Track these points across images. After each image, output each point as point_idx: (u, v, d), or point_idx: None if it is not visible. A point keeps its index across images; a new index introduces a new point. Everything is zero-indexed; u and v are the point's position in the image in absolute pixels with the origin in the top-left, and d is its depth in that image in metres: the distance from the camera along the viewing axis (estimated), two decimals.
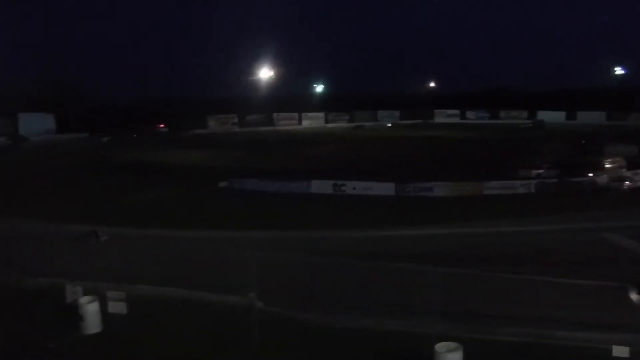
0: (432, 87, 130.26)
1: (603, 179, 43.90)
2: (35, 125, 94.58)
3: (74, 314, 14.97)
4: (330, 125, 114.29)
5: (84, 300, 15.06)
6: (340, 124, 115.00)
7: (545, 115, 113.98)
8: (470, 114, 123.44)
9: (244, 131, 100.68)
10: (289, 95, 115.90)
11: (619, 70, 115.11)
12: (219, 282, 18.38)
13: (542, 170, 46.19)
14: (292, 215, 33.55)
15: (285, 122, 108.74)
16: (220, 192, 41.69)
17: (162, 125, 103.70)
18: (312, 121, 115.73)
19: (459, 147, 69.79)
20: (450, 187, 40.82)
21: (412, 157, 59.66)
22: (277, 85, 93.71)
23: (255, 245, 17.39)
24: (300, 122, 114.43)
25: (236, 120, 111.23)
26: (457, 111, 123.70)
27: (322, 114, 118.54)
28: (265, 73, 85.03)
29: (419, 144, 73.96)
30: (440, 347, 12.49)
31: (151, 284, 18.19)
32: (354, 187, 41.38)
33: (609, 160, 48.64)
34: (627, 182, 42.88)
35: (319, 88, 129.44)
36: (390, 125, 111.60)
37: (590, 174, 44.85)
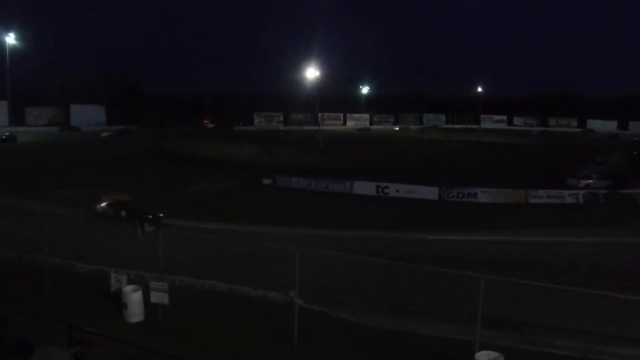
0: (480, 92, 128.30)
1: None
2: (87, 116, 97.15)
3: (118, 302, 15.29)
4: (375, 126, 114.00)
5: (127, 289, 15.35)
6: (386, 126, 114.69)
7: (595, 124, 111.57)
8: (517, 120, 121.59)
9: (289, 129, 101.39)
10: (334, 95, 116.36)
11: None
12: (262, 277, 18.56)
13: (591, 181, 45.16)
14: (335, 214, 33.76)
15: (331, 122, 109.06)
16: (265, 189, 42.28)
17: (206, 121, 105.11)
18: (357, 122, 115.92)
19: (507, 153, 68.68)
20: (495, 193, 40.28)
21: (458, 161, 59.15)
22: (323, 85, 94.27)
23: (298, 242, 17.40)
24: (345, 123, 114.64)
25: (281, 118, 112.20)
26: (504, 117, 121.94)
27: (367, 116, 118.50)
28: (311, 73, 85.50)
29: (466, 149, 73.16)
30: (481, 355, 12.28)
31: (195, 276, 18.45)
32: (397, 189, 41.26)
33: None
34: None
35: (365, 89, 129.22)
36: (436, 128, 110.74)
37: None
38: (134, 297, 15.24)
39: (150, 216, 27.53)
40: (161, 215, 28.03)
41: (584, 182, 44.93)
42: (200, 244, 22.33)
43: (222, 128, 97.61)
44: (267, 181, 43.98)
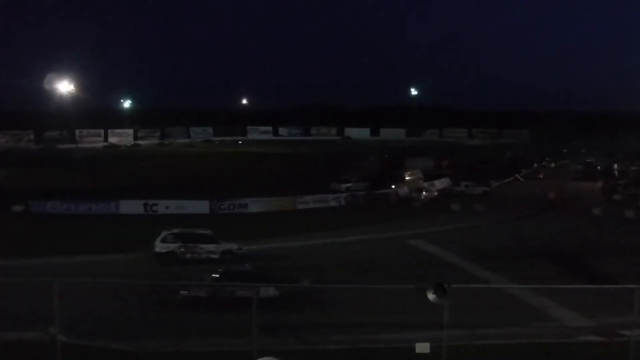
0: (245, 104, 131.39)
1: (404, 190, 47.65)
2: None
3: None
4: (140, 142, 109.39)
5: None
6: (152, 141, 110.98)
7: (351, 132, 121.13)
8: (282, 130, 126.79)
9: (42, 148, 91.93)
10: (93, 110, 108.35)
11: (414, 91, 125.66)
12: (16, 316, 16.53)
13: (351, 184, 48.89)
14: (99, 238, 30.97)
15: (90, 139, 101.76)
16: (15, 217, 37.15)
17: None
18: (120, 138, 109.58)
19: (273, 163, 71.10)
20: (265, 202, 41.52)
21: (227, 174, 59.66)
22: (79, 99, 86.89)
23: (56, 272, 16.09)
24: (106, 139, 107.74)
25: (32, 137, 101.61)
26: (269, 128, 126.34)
27: (130, 131, 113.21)
28: (65, 86, 77.74)
29: (234, 161, 74.19)
30: None
31: None
32: (167, 205, 40.07)
33: (409, 172, 52.96)
34: (424, 193, 47.03)
35: (127, 103, 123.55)
36: (203, 141, 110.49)
37: (393, 186, 48.48)
38: None
39: None
40: None
41: (344, 185, 48.46)
42: None
43: None
44: (17, 208, 38.85)
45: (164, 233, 26.92)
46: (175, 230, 27.15)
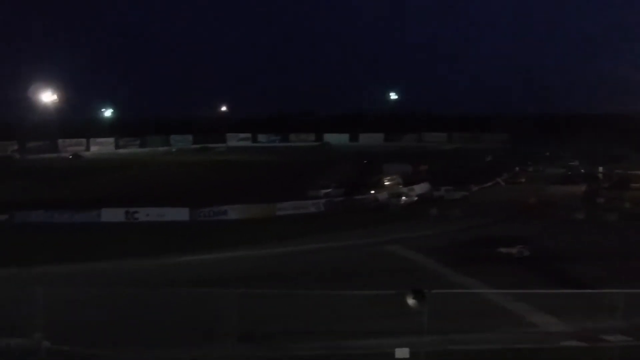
0: (224, 111, 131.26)
1: (383, 195, 47.77)
2: None
3: None
4: (121, 150, 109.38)
5: None
6: (132, 149, 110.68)
7: (330, 138, 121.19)
8: (261, 137, 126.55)
9: (25, 159, 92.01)
10: (75, 120, 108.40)
11: (393, 96, 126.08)
12: (1, 324, 16.58)
13: (330, 190, 48.88)
14: (80, 246, 31.40)
15: (73, 149, 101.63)
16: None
17: None
18: (101, 147, 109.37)
19: (252, 170, 70.97)
20: (244, 209, 41.48)
21: (206, 181, 59.55)
22: (62, 109, 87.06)
23: (40, 281, 15.99)
24: (88, 148, 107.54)
25: (16, 147, 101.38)
26: (248, 135, 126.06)
27: (112, 140, 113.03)
28: (47, 96, 78.33)
29: (212, 168, 73.95)
30: None
31: None
32: (147, 213, 40.37)
33: (388, 178, 53.09)
34: (403, 198, 47.13)
35: (108, 112, 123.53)
36: (177, 150, 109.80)
37: (372, 192, 48.58)
38: None
39: None
40: None
41: (323, 191, 48.44)
42: None
43: None
44: (2, 217, 39.62)
45: None
46: None
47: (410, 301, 12.31)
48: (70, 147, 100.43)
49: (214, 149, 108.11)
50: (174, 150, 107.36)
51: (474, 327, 16.76)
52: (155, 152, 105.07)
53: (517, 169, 68.02)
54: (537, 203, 43.56)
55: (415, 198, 48.28)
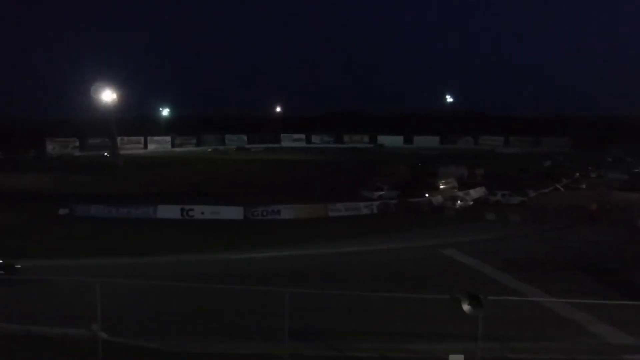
0: (279, 112, 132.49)
1: (438, 198, 47.05)
2: None
3: None
4: (177, 149, 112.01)
5: None
6: (189, 148, 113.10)
7: (384, 139, 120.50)
8: (315, 138, 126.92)
9: (86, 155, 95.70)
10: (134, 119, 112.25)
11: (449, 98, 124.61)
12: (61, 313, 17.05)
13: (383, 192, 48.48)
14: (138, 241, 32.34)
15: (131, 146, 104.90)
16: (60, 220, 39.08)
17: None
18: (158, 145, 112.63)
19: (306, 170, 71.19)
20: (297, 209, 41.56)
21: (261, 180, 60.06)
22: (121, 108, 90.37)
23: (99, 273, 16.34)
24: (146, 146, 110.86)
25: (77, 143, 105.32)
26: (302, 135, 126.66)
27: (168, 138, 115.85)
28: (108, 95, 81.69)
29: (267, 168, 74.56)
30: None
31: None
32: (202, 211, 40.84)
33: (443, 181, 52.29)
34: (459, 202, 46.28)
35: (165, 111, 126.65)
36: (236, 149, 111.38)
37: (427, 195, 47.91)
38: None
39: None
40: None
41: (377, 193, 48.09)
42: None
43: (12, 155, 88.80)
44: (63, 211, 40.89)
45: None
46: None
47: (466, 306, 11.93)
48: (128, 145, 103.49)
49: (250, 149, 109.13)
50: (209, 150, 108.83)
51: (531, 336, 16.23)
52: (203, 151, 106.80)
53: (577, 174, 65.95)
54: (599, 209, 42.08)
55: (471, 202, 47.41)
